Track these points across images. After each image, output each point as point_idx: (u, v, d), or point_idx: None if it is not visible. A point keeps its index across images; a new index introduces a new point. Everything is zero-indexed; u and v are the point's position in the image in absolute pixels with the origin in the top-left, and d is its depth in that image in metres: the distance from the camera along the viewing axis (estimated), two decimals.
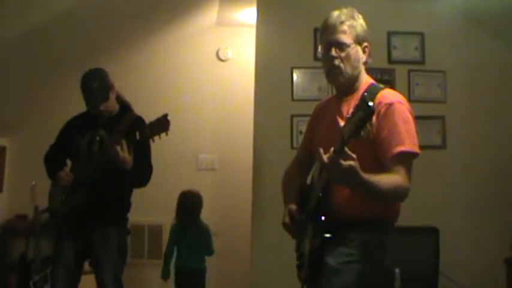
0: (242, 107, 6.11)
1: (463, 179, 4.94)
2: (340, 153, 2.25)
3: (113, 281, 3.82)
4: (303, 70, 4.99)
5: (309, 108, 4.93)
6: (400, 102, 2.65)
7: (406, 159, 2.58)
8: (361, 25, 2.76)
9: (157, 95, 6.41)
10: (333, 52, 2.70)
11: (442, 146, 4.96)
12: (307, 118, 4.81)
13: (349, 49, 2.70)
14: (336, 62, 2.70)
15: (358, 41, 2.73)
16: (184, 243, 5.38)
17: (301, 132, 4.84)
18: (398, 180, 2.50)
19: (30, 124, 5.98)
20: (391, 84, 4.82)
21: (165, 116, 3.46)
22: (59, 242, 3.90)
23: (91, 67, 3.77)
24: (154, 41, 6.26)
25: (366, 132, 2.19)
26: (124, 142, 3.54)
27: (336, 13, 2.75)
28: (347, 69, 2.72)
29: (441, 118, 4.96)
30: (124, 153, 3.55)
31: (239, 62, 6.60)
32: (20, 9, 3.87)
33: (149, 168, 3.94)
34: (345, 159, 2.25)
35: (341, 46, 2.70)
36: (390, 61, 4.98)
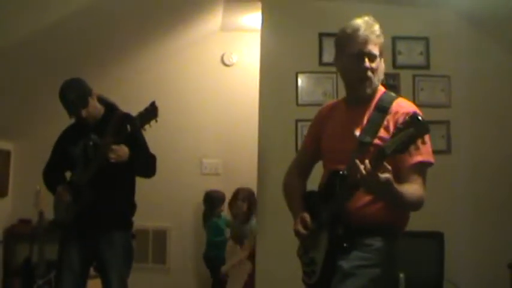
0: (247, 112, 6.11)
1: (467, 184, 4.93)
2: (378, 167, 2.29)
3: (119, 285, 3.83)
4: (307, 75, 4.99)
5: (314, 113, 4.94)
6: (416, 113, 2.67)
7: (423, 168, 2.62)
8: (382, 35, 2.76)
9: (161, 100, 6.38)
10: (367, 63, 2.68)
11: (447, 151, 4.95)
12: None
13: (378, 61, 2.71)
14: (369, 73, 2.69)
15: (382, 52, 2.74)
16: (206, 233, 6.17)
17: None
18: (418, 190, 2.56)
19: (35, 129, 5.99)
20: (395, 89, 4.82)
21: (152, 104, 3.49)
22: (64, 247, 3.90)
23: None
24: (159, 46, 6.27)
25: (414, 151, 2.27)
26: (113, 148, 3.61)
27: (362, 22, 2.71)
28: (375, 80, 2.72)
29: (446, 123, 4.95)
30: (115, 153, 3.62)
31: (244, 67, 6.61)
32: (24, 13, 3.88)
33: (151, 157, 4.00)
34: (382, 172, 2.29)
35: (373, 57, 2.69)
36: (395, 66, 4.97)
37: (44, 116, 5.80)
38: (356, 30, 2.70)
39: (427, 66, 5.04)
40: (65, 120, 4.04)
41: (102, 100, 4.00)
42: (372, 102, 2.73)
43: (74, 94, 3.80)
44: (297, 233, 2.84)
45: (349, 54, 2.73)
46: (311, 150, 3.05)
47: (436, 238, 4.53)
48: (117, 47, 5.56)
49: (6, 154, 6.07)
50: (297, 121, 4.91)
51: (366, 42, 2.68)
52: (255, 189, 5.15)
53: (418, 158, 2.56)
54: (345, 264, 2.61)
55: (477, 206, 4.92)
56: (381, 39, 2.73)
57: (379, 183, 2.31)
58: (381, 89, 2.81)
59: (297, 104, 4.97)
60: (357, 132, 2.63)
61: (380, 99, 2.72)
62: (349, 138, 2.64)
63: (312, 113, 4.89)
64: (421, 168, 2.61)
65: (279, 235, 4.84)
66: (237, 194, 5.78)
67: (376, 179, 2.29)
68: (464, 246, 4.77)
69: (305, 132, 4.81)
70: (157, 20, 5.32)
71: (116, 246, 3.85)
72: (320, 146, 2.95)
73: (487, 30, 5.10)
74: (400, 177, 2.53)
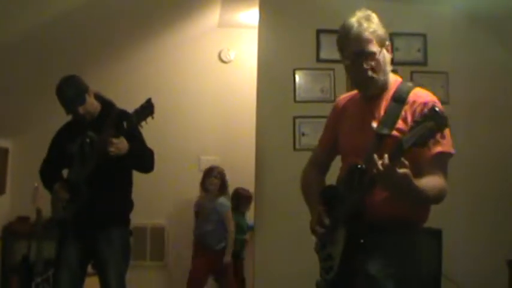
0: (244, 109, 6.10)
1: (466, 180, 4.92)
2: (396, 161, 2.24)
3: (116, 282, 3.83)
4: (305, 71, 4.98)
5: (312, 110, 4.96)
6: (435, 102, 2.59)
7: (443, 159, 2.55)
8: (379, 25, 2.68)
9: (159, 97, 6.37)
10: (364, 64, 2.62)
11: None
12: (310, 119, 4.89)
13: (377, 56, 2.64)
14: (369, 73, 2.64)
15: (382, 43, 2.67)
16: None
17: (303, 134, 4.85)
18: (440, 182, 2.50)
19: (33, 126, 5.98)
20: None
21: (148, 101, 3.48)
22: (62, 244, 3.90)
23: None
24: (157, 42, 6.26)
25: (433, 142, 2.20)
26: (113, 141, 3.58)
27: (354, 20, 2.65)
28: (379, 76, 2.66)
29: None
30: (114, 145, 3.59)
31: (241, 64, 6.60)
32: (22, 9, 3.87)
33: (149, 152, 3.99)
34: (400, 167, 2.24)
35: (370, 55, 2.63)
36: (392, 62, 4.94)
37: (41, 114, 5.79)
38: (348, 31, 2.65)
39: (424, 63, 5.04)
40: (62, 118, 4.04)
41: (99, 97, 4.01)
42: (389, 93, 2.67)
43: (71, 91, 3.81)
44: (314, 232, 2.78)
45: (347, 56, 2.69)
46: (328, 145, 2.98)
47: (434, 235, 4.53)
48: (115, 44, 5.55)
49: (4, 151, 6.06)
50: (294, 118, 4.91)
51: (359, 41, 2.63)
52: (252, 186, 5.14)
53: (438, 149, 2.50)
54: (367, 266, 2.55)
55: (476, 203, 4.92)
56: (378, 33, 2.65)
57: (397, 179, 2.26)
58: (397, 79, 2.76)
59: (295, 101, 4.96)
60: (374, 124, 2.56)
61: (397, 90, 2.66)
62: (366, 131, 2.59)
63: (309, 109, 4.94)
64: (442, 160, 2.54)
65: (276, 231, 4.86)
66: (211, 171, 5.92)
67: (394, 174, 2.24)
68: (462, 243, 4.77)
69: (303, 129, 4.85)
70: (155, 16, 5.31)
71: (114, 244, 3.85)
72: (337, 140, 2.90)
73: (484, 27, 5.10)
74: (420, 169, 2.47)
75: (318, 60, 4.98)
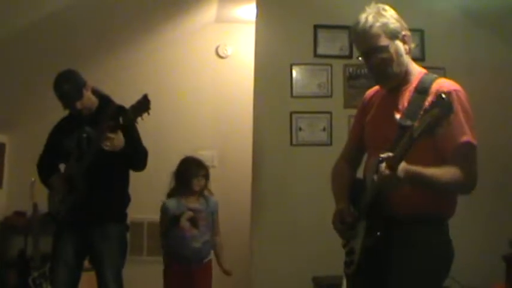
0: (241, 104, 6.10)
1: None
2: (407, 150, 2.26)
3: (113, 277, 3.83)
4: (302, 67, 4.99)
5: (309, 105, 4.96)
6: (458, 91, 2.59)
7: (468, 149, 2.53)
8: (391, 18, 2.68)
9: (156, 92, 6.35)
10: (373, 60, 2.64)
11: None
12: (307, 115, 4.90)
13: (388, 49, 2.62)
14: (381, 68, 2.64)
15: (395, 35, 2.65)
16: None
17: (300, 129, 4.86)
18: (453, 172, 2.46)
19: (30, 121, 5.97)
20: None
21: (144, 97, 3.46)
22: (58, 239, 3.90)
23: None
24: (154, 37, 6.25)
25: (442, 130, 2.18)
26: (109, 136, 3.56)
27: (362, 17, 2.64)
28: (394, 69, 2.64)
29: None
30: (109, 140, 3.57)
31: (238, 59, 6.59)
32: (18, 5, 3.86)
33: (143, 150, 3.99)
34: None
35: (379, 50, 2.62)
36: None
37: (38, 108, 5.78)
38: (355, 29, 2.67)
39: (422, 59, 5.03)
40: (59, 113, 4.04)
41: (96, 92, 4.00)
42: (412, 85, 2.66)
43: (68, 86, 3.80)
44: (334, 227, 2.78)
45: (359, 53, 2.72)
46: (357, 138, 2.96)
47: None
48: (111, 39, 5.54)
49: (1, 146, 6.05)
50: (291, 113, 4.92)
51: (365, 39, 2.64)
52: (249, 181, 5.13)
53: (463, 139, 2.49)
54: (384, 261, 2.56)
55: (471, 198, 4.89)
56: (388, 26, 2.64)
57: (397, 183, 2.30)
58: (422, 71, 2.74)
59: (292, 96, 4.97)
60: (397, 116, 2.54)
61: (420, 81, 2.64)
62: (388, 123, 2.58)
63: (306, 105, 4.94)
64: (467, 149, 2.52)
65: (273, 226, 4.87)
66: (199, 168, 4.67)
67: (394, 182, 2.28)
68: (458, 238, 4.76)
69: (300, 124, 4.86)
70: (152, 11, 5.30)
71: (110, 239, 3.85)
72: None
73: (482, 23, 5.10)
74: (445, 158, 2.48)
75: (315, 55, 4.99)
